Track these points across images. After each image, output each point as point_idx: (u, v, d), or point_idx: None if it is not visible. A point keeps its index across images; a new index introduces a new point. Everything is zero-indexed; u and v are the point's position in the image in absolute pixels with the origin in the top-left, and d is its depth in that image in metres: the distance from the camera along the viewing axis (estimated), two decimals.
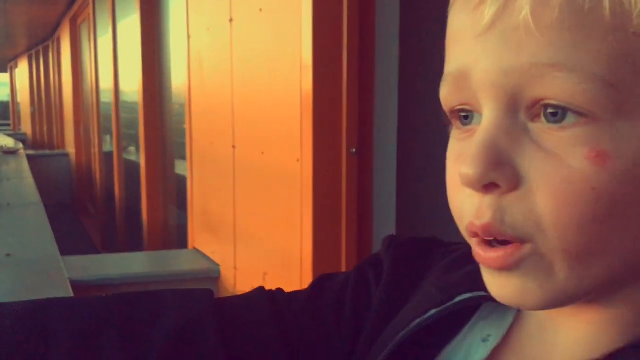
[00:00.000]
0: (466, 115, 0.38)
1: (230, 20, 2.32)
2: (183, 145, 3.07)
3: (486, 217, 0.35)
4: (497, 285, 0.37)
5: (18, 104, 16.62)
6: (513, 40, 0.33)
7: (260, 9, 2.09)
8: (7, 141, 9.65)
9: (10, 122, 17.21)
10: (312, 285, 0.55)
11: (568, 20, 0.32)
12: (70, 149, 7.91)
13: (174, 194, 3.79)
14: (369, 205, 1.86)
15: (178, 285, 2.23)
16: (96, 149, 6.72)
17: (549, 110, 0.33)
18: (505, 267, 0.36)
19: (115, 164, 5.27)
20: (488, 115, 0.35)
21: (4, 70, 18.20)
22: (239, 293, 1.81)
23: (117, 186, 5.28)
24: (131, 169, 4.78)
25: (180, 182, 3.36)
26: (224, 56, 2.39)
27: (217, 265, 2.66)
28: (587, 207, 0.33)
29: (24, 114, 14.75)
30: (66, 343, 0.45)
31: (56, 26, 8.79)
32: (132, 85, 4.31)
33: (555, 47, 0.32)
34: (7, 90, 18.41)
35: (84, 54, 7.09)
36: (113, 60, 4.99)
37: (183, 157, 3.15)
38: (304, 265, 1.88)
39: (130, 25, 4.13)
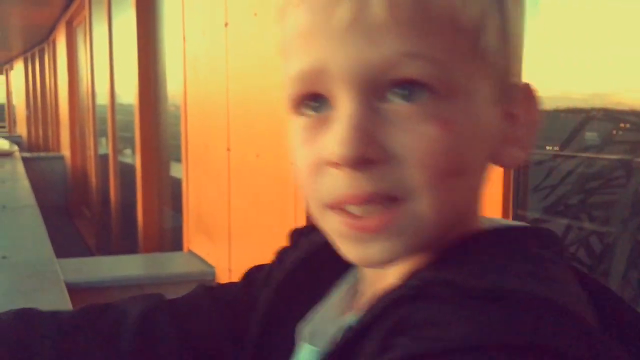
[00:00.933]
0: (316, 106, 0.42)
1: (226, 24, 2.34)
2: (178, 147, 3.09)
3: (367, 187, 0.39)
4: (363, 249, 0.41)
5: (13, 106, 16.61)
6: (372, 36, 0.38)
7: (256, 14, 2.11)
8: (2, 143, 9.64)
9: (6, 124, 17.19)
10: (244, 277, 0.61)
11: (416, 18, 0.38)
12: (66, 151, 7.91)
13: (170, 196, 3.80)
14: None
15: (174, 288, 2.25)
16: (92, 152, 6.72)
17: (403, 91, 0.39)
18: (383, 229, 0.40)
19: (110, 166, 5.28)
20: (350, 103, 0.40)
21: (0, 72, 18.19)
22: None
23: (112, 189, 5.29)
24: (127, 171, 4.79)
25: (176, 184, 3.38)
26: (220, 60, 2.40)
27: (213, 267, 2.68)
28: (446, 166, 0.40)
29: (19, 117, 14.74)
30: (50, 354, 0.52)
31: (52, 29, 8.79)
32: (128, 87, 4.32)
33: (408, 39, 0.38)
34: (3, 93, 18.38)
35: (80, 56, 7.10)
36: (109, 62, 5.00)
37: (178, 160, 3.16)
38: None
39: (126, 27, 4.14)
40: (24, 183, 5.21)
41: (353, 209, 0.40)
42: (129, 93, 4.28)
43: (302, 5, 0.41)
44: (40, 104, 10.80)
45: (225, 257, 2.55)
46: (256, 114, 2.18)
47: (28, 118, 12.46)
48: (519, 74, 0.46)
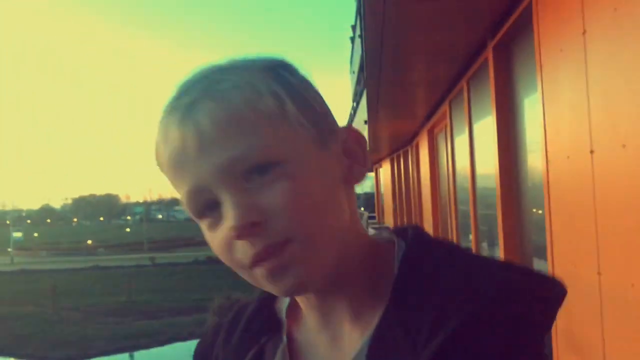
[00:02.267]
0: (212, 207, 0.59)
1: (592, 152, 2.40)
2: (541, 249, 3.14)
3: (263, 241, 0.57)
4: (283, 284, 0.59)
5: (382, 195, 18.76)
6: (214, 151, 0.57)
7: (624, 145, 2.13)
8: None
9: (376, 215, 19.51)
10: None
11: (235, 130, 0.58)
12: None
13: None
14: None
15: None
16: None
17: (254, 172, 0.57)
18: (286, 264, 0.58)
19: None
20: (228, 194, 0.57)
21: (370, 171, 21.02)
22: None
23: None
24: None
25: None
26: (585, 187, 2.45)
27: None
28: (304, 205, 0.57)
29: (386, 209, 16.58)
30: None
31: (415, 135, 9.88)
32: (488, 183, 4.57)
33: (237, 144, 0.58)
34: (374, 188, 21.03)
35: (441, 157, 7.78)
36: (470, 163, 5.34)
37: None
38: None
39: (486, 128, 4.43)
40: None
41: (263, 260, 0.58)
42: (490, 188, 4.52)
43: (163, 146, 0.60)
44: (405, 198, 12.02)
45: None
46: (630, 242, 2.14)
47: (394, 210, 13.93)
48: (335, 125, 0.66)
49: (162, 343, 32.60)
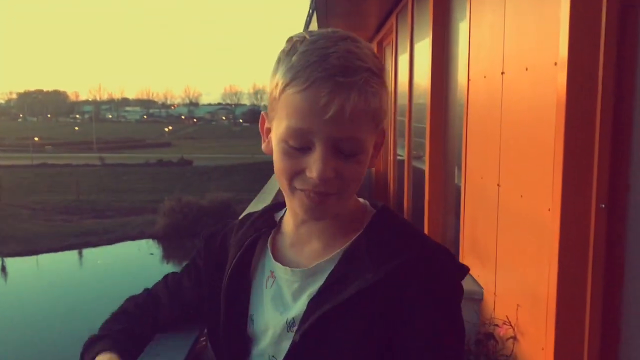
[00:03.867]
0: (306, 146, 0.80)
1: (502, 73, 2.58)
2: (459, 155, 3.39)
3: (322, 188, 0.81)
4: (310, 213, 0.84)
5: None
6: (341, 124, 0.78)
7: (527, 68, 2.31)
8: None
9: None
10: (190, 268, 1.09)
11: (360, 119, 0.79)
12: None
13: (453, 205, 4.09)
14: (620, 255, 1.96)
15: None
16: (391, 157, 7.46)
17: (345, 152, 0.81)
18: (321, 206, 0.83)
19: (405, 172, 5.83)
20: (324, 150, 0.79)
21: None
22: (496, 318, 2.22)
23: (406, 194, 5.85)
24: (419, 177, 5.27)
25: (459, 194, 3.64)
26: (496, 102, 2.65)
27: (482, 288, 2.94)
28: (355, 182, 0.83)
29: None
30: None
31: None
32: (422, 99, 4.78)
33: (353, 128, 0.79)
34: None
35: (387, 69, 7.90)
36: (408, 80, 5.54)
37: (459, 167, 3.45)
38: (549, 305, 2.07)
39: (424, 49, 4.59)
40: None
41: (314, 195, 0.82)
42: (423, 103, 4.73)
43: (302, 95, 0.78)
44: None
45: (491, 281, 2.80)
46: (525, 156, 2.38)
47: None
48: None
49: (111, 241, 32.93)
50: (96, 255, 31.07)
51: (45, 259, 30.12)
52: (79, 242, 32.22)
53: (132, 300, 1.08)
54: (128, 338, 0.98)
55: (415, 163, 5.58)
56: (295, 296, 0.88)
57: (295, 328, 0.85)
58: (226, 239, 1.02)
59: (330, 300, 0.81)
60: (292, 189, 0.83)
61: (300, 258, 0.91)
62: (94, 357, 0.93)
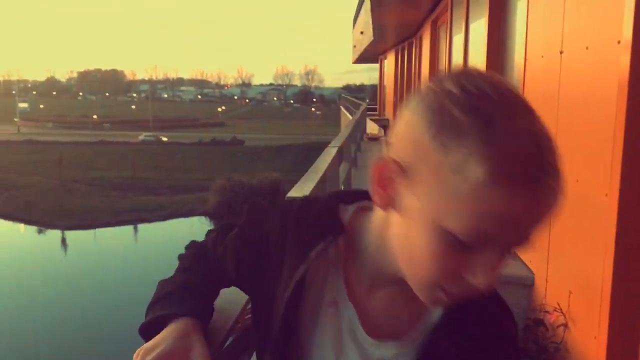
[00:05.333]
0: (475, 244, 0.61)
1: (561, 52, 2.49)
2: None
3: (466, 291, 0.65)
4: (434, 303, 0.69)
5: (384, 88, 18.69)
6: (531, 232, 0.62)
7: (587, 47, 2.22)
8: (373, 128, 11.13)
9: (377, 107, 19.52)
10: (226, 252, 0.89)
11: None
12: None
13: None
14: None
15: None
16: None
17: (507, 255, 0.64)
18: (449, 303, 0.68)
19: None
20: (492, 256, 0.62)
21: (376, 62, 20.72)
22: (547, 304, 2.16)
23: None
24: None
25: None
26: (553, 86, 2.56)
27: (533, 274, 2.88)
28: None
29: (388, 101, 16.60)
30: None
31: (419, 27, 9.72)
32: None
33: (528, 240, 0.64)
34: (377, 77, 20.78)
35: (441, 50, 7.76)
36: (463, 58, 5.42)
37: None
38: (603, 293, 2.01)
39: (480, 28, 4.48)
40: None
41: (454, 296, 0.66)
42: None
43: (515, 201, 0.58)
44: (405, 92, 12.04)
45: (543, 267, 2.73)
46: (583, 139, 2.29)
47: (395, 103, 13.97)
48: None
49: (164, 218, 33.82)
50: (150, 231, 32.04)
51: (102, 232, 31.27)
52: (134, 217, 33.24)
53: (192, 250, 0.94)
54: (202, 298, 0.85)
55: None
56: (353, 350, 0.77)
57: None
58: (278, 228, 0.82)
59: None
60: (433, 285, 0.66)
61: (364, 304, 0.77)
62: (167, 322, 0.79)
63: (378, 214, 0.73)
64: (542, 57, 2.80)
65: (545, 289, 2.68)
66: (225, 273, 0.88)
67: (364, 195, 0.80)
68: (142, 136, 62.34)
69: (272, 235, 0.81)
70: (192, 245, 0.95)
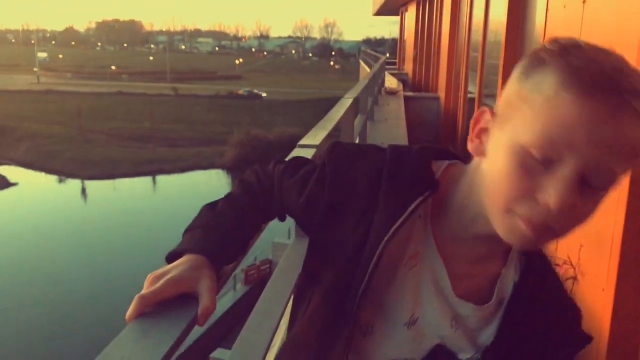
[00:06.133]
0: (549, 160, 0.63)
1: (584, 1, 2.42)
2: None
3: (548, 222, 0.64)
4: (519, 241, 0.67)
5: (404, 42, 18.37)
6: (610, 152, 0.61)
7: None
8: (391, 82, 10.99)
9: (397, 61, 19.23)
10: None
11: (627, 153, 0.63)
12: (441, 93, 8.65)
13: None
14: None
15: None
16: (462, 94, 7.27)
17: (598, 186, 0.63)
18: (536, 241, 0.66)
19: (476, 110, 5.69)
20: (568, 178, 0.62)
21: (397, 14, 20.29)
22: (557, 257, 2.16)
23: None
24: None
25: None
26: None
27: None
28: (585, 222, 0.66)
29: (407, 56, 16.33)
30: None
31: None
32: (498, 38, 4.58)
33: (620, 168, 0.64)
34: (397, 31, 20.40)
35: (462, 7, 7.58)
36: (484, 16, 5.31)
37: None
38: (614, 246, 2.01)
39: None
40: (402, 122, 6.04)
41: (535, 227, 0.64)
42: (498, 42, 4.54)
43: (581, 103, 0.60)
44: (425, 46, 11.82)
45: None
46: None
47: (414, 58, 13.75)
48: None
49: (183, 170, 34.13)
50: (169, 182, 32.40)
51: (122, 183, 31.69)
52: (153, 168, 33.57)
53: (254, 175, 0.93)
54: (225, 238, 0.85)
55: (486, 100, 5.41)
56: (434, 303, 0.79)
57: (413, 326, 0.80)
58: (368, 177, 0.82)
59: (520, 330, 0.79)
60: (508, 210, 0.66)
61: (450, 265, 0.79)
62: (180, 253, 0.80)
63: (469, 169, 0.75)
64: (565, 7, 2.73)
65: (557, 241, 2.68)
66: (284, 205, 0.89)
67: (449, 154, 0.82)
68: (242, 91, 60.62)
69: (361, 183, 0.81)
70: (253, 170, 0.94)
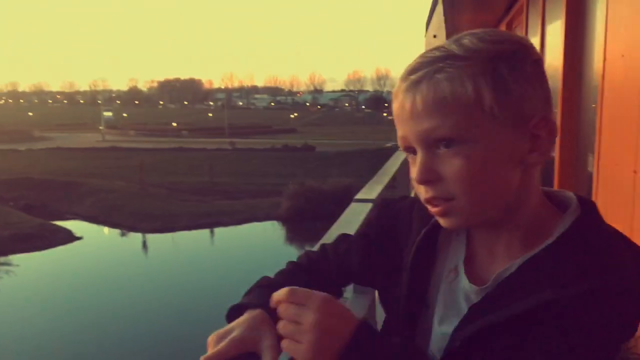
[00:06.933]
0: (412, 151, 0.79)
1: None
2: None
3: (431, 193, 0.77)
4: (443, 222, 0.80)
5: None
6: (420, 119, 0.76)
7: None
8: None
9: None
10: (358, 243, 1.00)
11: (436, 107, 0.75)
12: None
13: (585, 194, 3.86)
14: None
15: None
16: None
17: (443, 143, 0.75)
18: (444, 212, 0.78)
19: None
20: (419, 152, 0.77)
21: None
22: None
23: None
24: (549, 165, 5.01)
25: (591, 182, 3.41)
26: (636, 81, 2.47)
27: None
28: (471, 179, 0.74)
29: None
30: None
31: (495, 28, 9.49)
32: (554, 82, 4.53)
33: (434, 119, 0.75)
34: None
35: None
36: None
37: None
38: None
39: (556, 29, 4.35)
40: None
41: (427, 204, 0.79)
42: (555, 86, 4.49)
43: (394, 100, 0.80)
44: None
45: None
46: None
47: None
48: (531, 110, 0.76)
49: (239, 222, 34.61)
50: (226, 234, 32.85)
51: (181, 236, 32.36)
52: (211, 221, 34.19)
53: (305, 255, 1.01)
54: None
55: None
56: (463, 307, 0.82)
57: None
58: (405, 211, 0.93)
59: (494, 312, 0.73)
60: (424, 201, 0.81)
61: (477, 266, 0.83)
62: (243, 310, 0.84)
63: None
64: (623, 56, 2.70)
65: None
66: (345, 271, 0.97)
67: None
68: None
69: (402, 217, 0.93)
70: (304, 254, 1.02)
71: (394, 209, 0.96)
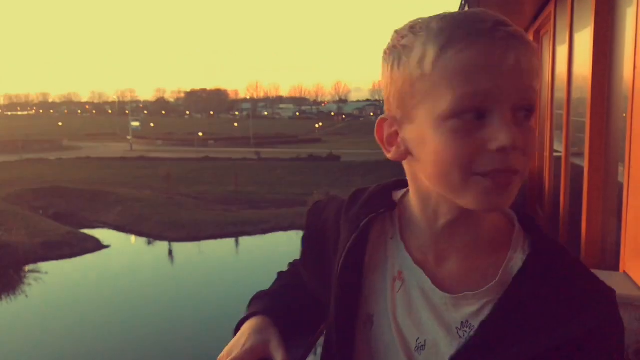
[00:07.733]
0: (475, 115, 0.66)
1: None
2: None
3: (513, 164, 0.66)
4: (493, 199, 0.67)
5: None
6: (523, 77, 0.67)
7: None
8: None
9: None
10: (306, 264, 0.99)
11: (535, 68, 0.70)
12: None
13: (615, 205, 3.79)
14: None
15: None
16: (547, 152, 7.06)
17: (525, 112, 0.68)
18: (508, 187, 0.67)
19: (562, 168, 5.48)
20: (502, 117, 0.66)
21: None
22: None
23: (562, 192, 5.50)
24: (577, 175, 4.94)
25: (621, 193, 3.37)
26: None
27: None
28: (533, 154, 0.69)
29: None
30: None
31: None
32: (582, 92, 4.47)
33: (533, 86, 0.70)
34: None
35: (545, 60, 7.49)
36: (567, 70, 5.21)
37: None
38: None
39: (585, 38, 4.30)
40: None
41: (501, 175, 0.66)
42: (583, 97, 4.42)
43: (469, 52, 0.64)
44: None
45: None
46: None
47: None
48: None
49: (264, 231, 34.74)
50: (251, 243, 33.01)
51: (207, 245, 32.59)
52: (237, 230, 34.40)
53: (292, 265, 1.04)
54: (284, 304, 0.92)
55: (573, 159, 5.23)
56: (429, 317, 0.75)
57: (423, 352, 0.74)
58: (333, 214, 0.88)
59: (494, 350, 0.69)
60: (468, 177, 0.66)
61: (435, 270, 0.77)
62: (247, 318, 0.88)
63: (410, 179, 0.78)
64: None
65: None
66: (310, 280, 0.98)
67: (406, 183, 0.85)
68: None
69: (330, 222, 0.87)
70: (290, 263, 1.07)
71: (322, 212, 0.92)
